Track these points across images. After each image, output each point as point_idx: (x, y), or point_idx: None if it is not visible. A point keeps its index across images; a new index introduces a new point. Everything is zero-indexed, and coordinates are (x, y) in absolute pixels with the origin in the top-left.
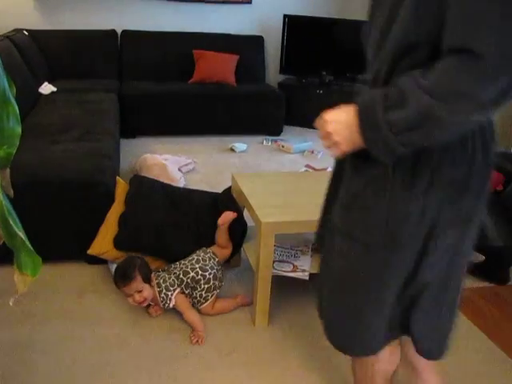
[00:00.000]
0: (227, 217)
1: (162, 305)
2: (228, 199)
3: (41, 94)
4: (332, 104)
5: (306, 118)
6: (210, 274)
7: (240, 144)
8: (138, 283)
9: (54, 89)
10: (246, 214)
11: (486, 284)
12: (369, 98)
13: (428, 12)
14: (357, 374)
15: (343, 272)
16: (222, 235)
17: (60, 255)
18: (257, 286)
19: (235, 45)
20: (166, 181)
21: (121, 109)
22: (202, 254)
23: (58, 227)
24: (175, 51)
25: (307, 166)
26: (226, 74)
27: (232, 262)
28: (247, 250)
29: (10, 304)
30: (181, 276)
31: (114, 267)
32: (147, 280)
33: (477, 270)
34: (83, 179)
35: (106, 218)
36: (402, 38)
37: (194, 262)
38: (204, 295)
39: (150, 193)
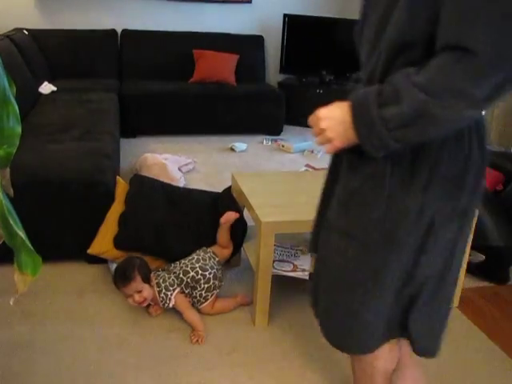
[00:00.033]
0: (230, 216)
1: (161, 305)
2: (228, 199)
3: (41, 94)
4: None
5: (306, 118)
6: (210, 273)
7: (240, 144)
8: (138, 283)
9: (54, 88)
10: (245, 213)
11: (486, 284)
12: (363, 95)
13: (423, 11)
14: (356, 373)
15: (340, 270)
16: (223, 234)
17: (60, 255)
18: (257, 286)
19: (235, 44)
20: (166, 180)
21: (121, 108)
22: (202, 254)
23: (58, 227)
24: (175, 51)
25: (307, 165)
26: (226, 74)
27: (232, 261)
28: (247, 249)
29: (11, 303)
30: (181, 275)
31: (114, 267)
32: (147, 280)
33: (477, 270)
34: (83, 179)
35: (106, 218)
36: (396, 37)
37: (194, 261)
38: (204, 295)
39: (150, 192)
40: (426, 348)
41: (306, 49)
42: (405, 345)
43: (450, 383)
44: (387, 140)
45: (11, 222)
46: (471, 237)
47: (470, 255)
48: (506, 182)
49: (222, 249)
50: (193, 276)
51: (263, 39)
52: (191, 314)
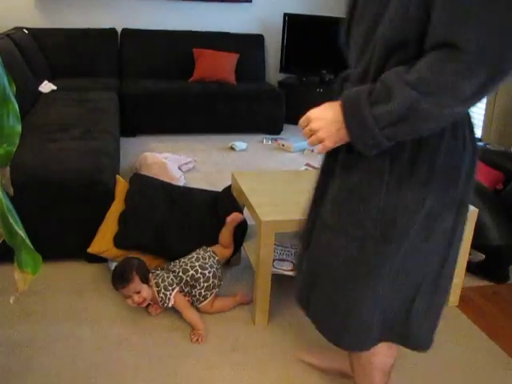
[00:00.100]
0: (237, 216)
1: (160, 304)
2: (228, 198)
3: (41, 93)
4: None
5: None
6: (209, 272)
7: (240, 143)
8: (136, 284)
9: (54, 87)
10: (245, 212)
11: (485, 283)
12: (354, 94)
13: (415, 10)
14: (355, 369)
15: (337, 268)
16: (227, 234)
17: (60, 254)
18: (257, 285)
19: (235, 43)
20: (165, 179)
21: (121, 107)
22: (202, 253)
23: (58, 226)
24: (175, 50)
25: (307, 164)
26: (226, 73)
27: (232, 260)
28: (247, 248)
29: (11, 302)
30: (180, 274)
31: (113, 266)
32: (145, 280)
33: (477, 269)
34: (83, 178)
35: (106, 217)
36: (390, 36)
37: (193, 260)
38: (203, 293)
39: (149, 191)
40: (420, 342)
41: (306, 48)
42: None
43: (450, 382)
44: (379, 138)
45: (11, 220)
46: (471, 236)
47: (469, 254)
48: (506, 181)
49: (223, 249)
50: (192, 274)
51: (263, 38)
52: (190, 314)
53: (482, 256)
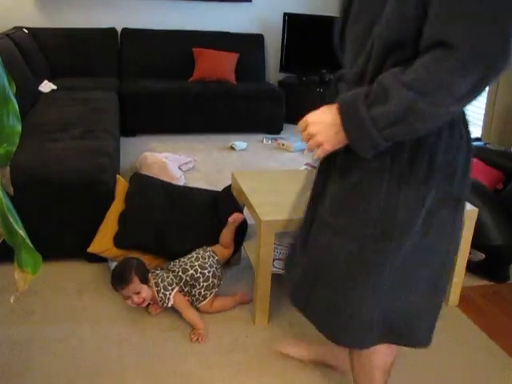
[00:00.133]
0: (238, 216)
1: (160, 304)
2: (228, 197)
3: (41, 93)
4: (332, 103)
5: None
6: (209, 271)
7: (240, 142)
8: (136, 285)
9: (54, 87)
10: (245, 212)
11: (485, 282)
12: (351, 97)
13: (413, 10)
14: (355, 368)
15: (337, 268)
16: (228, 235)
17: (60, 253)
18: (257, 284)
19: (235, 43)
20: (166, 179)
21: (121, 107)
22: (202, 252)
23: (58, 225)
24: (175, 49)
25: (307, 164)
26: (226, 73)
27: (232, 260)
28: (247, 248)
29: (11, 301)
30: (179, 273)
31: (113, 265)
32: (145, 280)
33: (477, 269)
34: (83, 177)
35: (106, 216)
36: (388, 36)
37: (193, 259)
38: (203, 293)
39: (149, 191)
40: (420, 341)
41: (306, 47)
42: None
43: (450, 382)
44: (377, 139)
45: (11, 220)
46: (471, 236)
47: (470, 254)
48: (506, 181)
49: (223, 249)
50: (192, 274)
51: (263, 38)
52: (190, 313)
53: (482, 255)
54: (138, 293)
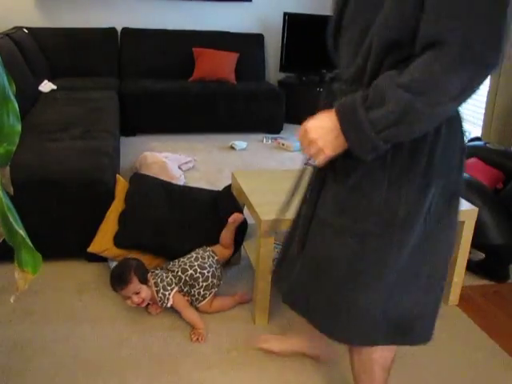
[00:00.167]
0: (238, 217)
1: (159, 304)
2: (228, 197)
3: (41, 92)
4: (326, 103)
5: (306, 116)
6: (208, 271)
7: (240, 142)
8: (135, 285)
9: (54, 87)
10: (246, 211)
11: (486, 282)
12: (349, 101)
13: (412, 10)
14: (355, 366)
15: (338, 267)
16: (228, 235)
17: (60, 253)
18: (257, 284)
19: (235, 43)
20: (165, 179)
21: (121, 107)
22: (201, 252)
23: (58, 225)
24: (175, 49)
25: (307, 164)
26: (226, 72)
27: (232, 259)
28: (247, 247)
29: (11, 301)
30: (179, 273)
31: (113, 265)
32: (144, 281)
33: (477, 268)
34: (83, 177)
35: (106, 216)
36: (386, 36)
37: (192, 259)
38: (202, 293)
39: (149, 191)
40: (421, 338)
41: (306, 47)
42: None
43: (450, 382)
44: (376, 142)
45: (11, 219)
46: (471, 236)
47: (470, 253)
48: (506, 181)
49: (224, 249)
50: (191, 274)
51: (263, 38)
52: (189, 313)
53: (482, 255)
54: (137, 293)
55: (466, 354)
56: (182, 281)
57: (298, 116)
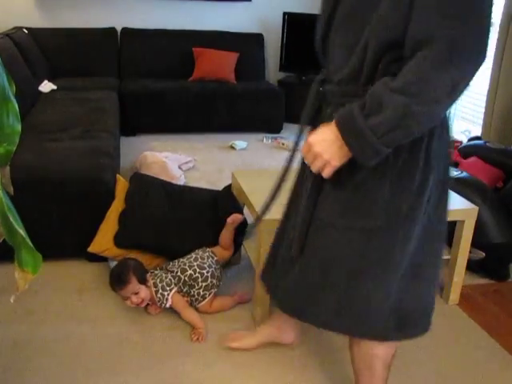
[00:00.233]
0: (237, 217)
1: (158, 304)
2: (228, 197)
3: (41, 92)
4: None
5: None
6: (207, 272)
7: (240, 142)
8: (134, 285)
9: (54, 87)
10: (246, 211)
11: (486, 281)
12: (347, 111)
13: (407, 10)
14: (355, 361)
15: (346, 265)
16: (227, 235)
17: (60, 253)
18: (257, 284)
19: (235, 42)
20: (166, 179)
21: (121, 107)
22: (201, 253)
23: (59, 225)
24: (175, 49)
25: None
26: (226, 72)
27: (232, 259)
28: (247, 247)
29: (11, 301)
30: (178, 274)
31: (114, 265)
32: (143, 281)
33: (477, 267)
34: (83, 177)
35: (107, 216)
36: (382, 35)
37: (192, 259)
38: (202, 293)
39: (149, 191)
40: (423, 328)
41: (306, 47)
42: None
43: (450, 381)
44: (379, 147)
45: (11, 219)
46: (471, 235)
47: (470, 252)
48: (506, 179)
49: (223, 250)
50: (190, 274)
51: (263, 37)
52: (188, 313)
53: (482, 254)
54: (136, 293)
55: (466, 352)
56: (182, 281)
57: (298, 116)
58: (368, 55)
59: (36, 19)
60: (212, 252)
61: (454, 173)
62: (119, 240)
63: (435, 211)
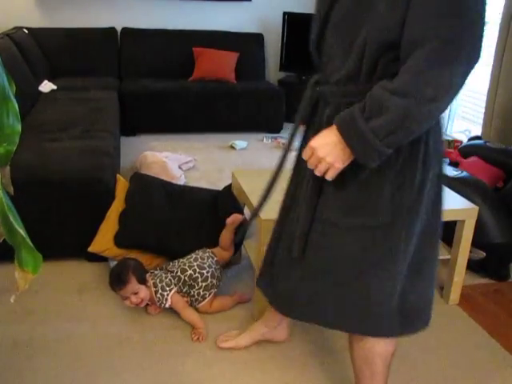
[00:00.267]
0: (237, 217)
1: (158, 304)
2: (228, 197)
3: (41, 92)
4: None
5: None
6: (207, 272)
7: (240, 141)
8: (133, 285)
9: (54, 87)
10: (246, 211)
11: (486, 281)
12: (348, 115)
13: (404, 11)
14: (356, 361)
15: (353, 262)
16: (227, 236)
17: (60, 253)
18: None
19: (235, 42)
20: (166, 178)
21: (121, 106)
22: (201, 253)
23: (59, 225)
24: (175, 49)
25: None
26: (226, 72)
27: (232, 259)
28: (248, 247)
29: (11, 301)
30: (178, 274)
31: (114, 265)
32: (142, 281)
33: (477, 267)
34: (83, 177)
35: (107, 216)
36: (380, 36)
37: (192, 259)
38: (202, 293)
39: (150, 190)
40: (425, 323)
41: (306, 47)
42: None
43: (451, 381)
44: (381, 149)
45: (11, 219)
46: (472, 234)
47: (470, 252)
48: (506, 179)
49: (223, 251)
50: (190, 274)
51: (263, 37)
52: (188, 313)
53: (482, 254)
54: (135, 293)
55: (466, 352)
56: (182, 281)
57: None
58: (366, 55)
59: (36, 19)
60: (212, 252)
61: (454, 172)
62: (119, 240)
63: (433, 207)
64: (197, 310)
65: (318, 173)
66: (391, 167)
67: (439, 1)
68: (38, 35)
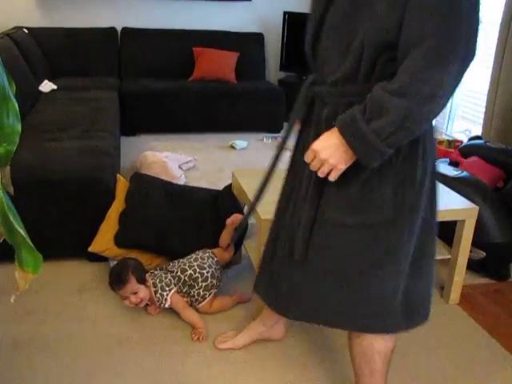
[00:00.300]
0: (236, 218)
1: (157, 304)
2: (228, 196)
3: (41, 92)
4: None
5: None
6: (207, 272)
7: (240, 141)
8: (133, 285)
9: (54, 87)
10: (246, 211)
11: (486, 280)
12: (349, 117)
13: (401, 13)
14: (356, 358)
15: (358, 260)
16: (227, 236)
17: (61, 252)
18: None
19: (235, 42)
20: (166, 178)
21: (121, 106)
22: (201, 254)
23: (59, 225)
24: (175, 49)
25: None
26: (226, 72)
27: (233, 258)
28: (248, 247)
29: (11, 301)
30: (178, 273)
31: (114, 265)
32: (142, 281)
33: (477, 267)
34: (83, 177)
35: (107, 216)
36: (379, 37)
37: (192, 260)
38: (202, 293)
39: (150, 190)
40: (425, 317)
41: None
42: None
43: (451, 380)
44: (383, 149)
45: (11, 219)
46: (472, 234)
47: (470, 252)
48: (506, 179)
49: (223, 251)
50: (190, 274)
51: (263, 37)
52: (188, 313)
53: (482, 254)
54: (135, 293)
55: (466, 352)
56: (182, 281)
57: None
58: (365, 55)
59: (36, 19)
60: (212, 253)
61: (455, 172)
62: (119, 240)
63: (429, 203)
64: (197, 310)
65: (321, 174)
66: (392, 165)
67: (436, 2)
68: (38, 35)
